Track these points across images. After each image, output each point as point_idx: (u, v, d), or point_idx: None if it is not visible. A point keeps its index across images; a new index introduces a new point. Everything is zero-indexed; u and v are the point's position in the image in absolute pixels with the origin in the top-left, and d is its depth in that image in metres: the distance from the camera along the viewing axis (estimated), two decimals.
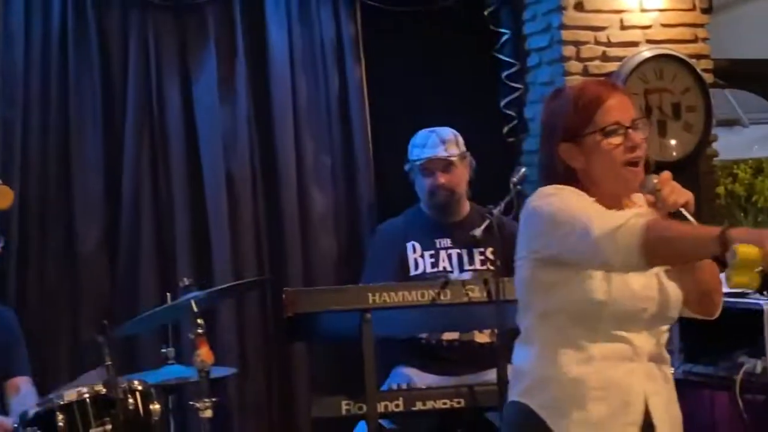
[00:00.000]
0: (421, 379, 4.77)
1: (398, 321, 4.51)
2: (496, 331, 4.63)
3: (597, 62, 5.64)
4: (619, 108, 2.82)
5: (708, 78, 5.80)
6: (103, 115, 5.34)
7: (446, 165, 4.97)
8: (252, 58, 5.57)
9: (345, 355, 4.93)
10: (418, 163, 5.02)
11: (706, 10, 5.88)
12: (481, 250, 4.94)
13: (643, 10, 5.72)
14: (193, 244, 5.40)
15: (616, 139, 2.80)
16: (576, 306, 2.76)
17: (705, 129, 5.76)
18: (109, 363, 3.97)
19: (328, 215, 5.63)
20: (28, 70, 5.24)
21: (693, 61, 5.74)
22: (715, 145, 5.94)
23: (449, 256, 4.98)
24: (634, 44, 5.69)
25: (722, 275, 2.57)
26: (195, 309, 4.24)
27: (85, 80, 5.32)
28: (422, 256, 4.98)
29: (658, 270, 2.79)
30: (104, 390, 4.03)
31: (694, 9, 5.83)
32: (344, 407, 4.29)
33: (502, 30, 5.88)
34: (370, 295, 4.27)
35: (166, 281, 5.22)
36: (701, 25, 5.86)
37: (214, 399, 4.22)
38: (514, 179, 4.44)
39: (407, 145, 5.11)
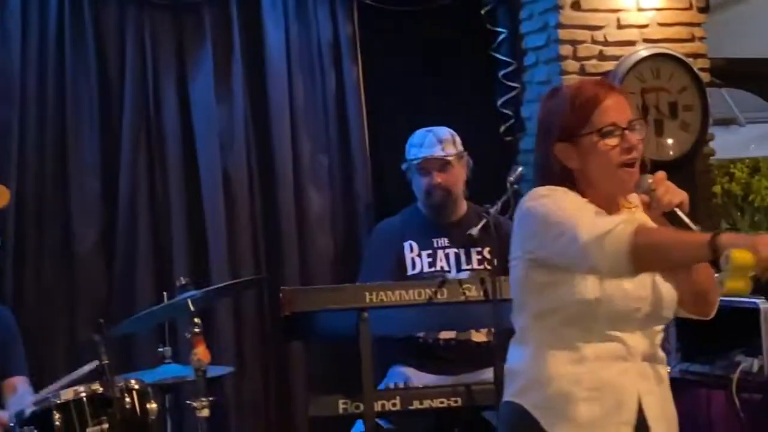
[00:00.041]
0: (418, 378, 4.78)
1: (395, 320, 4.51)
2: (492, 330, 4.63)
3: (594, 61, 5.64)
4: (615, 109, 2.82)
5: (705, 77, 5.81)
6: (99, 114, 5.34)
7: (443, 164, 4.97)
8: (249, 58, 5.57)
9: (342, 354, 4.93)
10: (414, 162, 5.02)
11: (703, 9, 5.89)
12: (479, 249, 4.94)
13: (640, 9, 5.72)
14: (190, 243, 5.40)
15: (613, 141, 2.80)
16: (569, 306, 2.76)
17: (702, 128, 5.77)
18: (106, 362, 3.97)
19: (325, 215, 5.63)
20: (25, 68, 5.24)
21: (690, 60, 5.74)
22: (711, 144, 5.95)
23: (446, 256, 4.98)
24: (631, 43, 5.70)
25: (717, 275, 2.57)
26: (192, 308, 4.24)
27: (81, 79, 5.32)
28: (419, 255, 4.98)
29: None
30: (101, 389, 4.03)
31: (690, 8, 5.83)
32: (341, 406, 4.29)
33: (499, 29, 5.88)
34: (367, 294, 4.27)
35: (163, 280, 5.22)
36: (698, 24, 5.87)
37: (211, 398, 4.23)
38: (511, 178, 4.44)
39: (404, 145, 5.11)
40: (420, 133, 5.06)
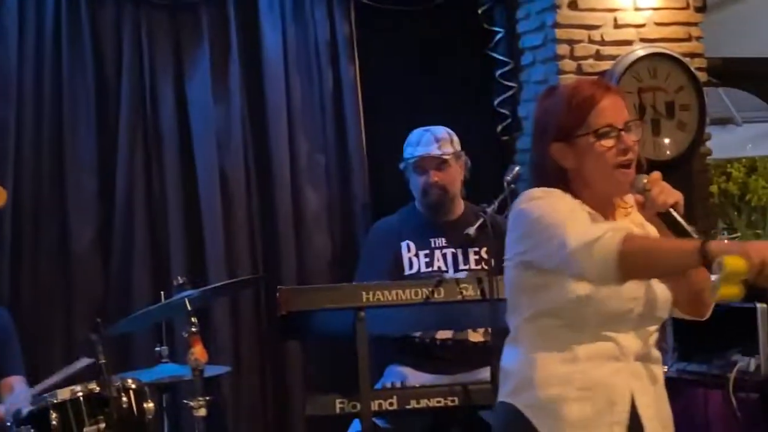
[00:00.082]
0: (415, 377, 4.78)
1: (392, 319, 4.51)
2: (489, 330, 4.64)
3: (591, 61, 5.64)
4: (612, 109, 2.82)
5: (701, 77, 5.81)
6: (96, 113, 5.34)
7: (440, 163, 4.98)
8: (246, 57, 5.57)
9: (339, 354, 4.93)
10: (411, 161, 5.03)
11: (700, 9, 5.89)
12: (476, 249, 4.94)
13: (637, 9, 5.73)
14: (187, 242, 5.40)
15: (609, 142, 2.79)
16: (561, 307, 2.77)
17: (698, 128, 5.77)
18: (103, 361, 3.97)
19: (322, 214, 5.63)
20: (22, 66, 5.23)
21: (687, 60, 5.75)
22: (708, 144, 5.95)
23: (444, 256, 4.98)
24: (628, 43, 5.70)
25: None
26: (189, 307, 4.24)
27: (78, 78, 5.31)
28: (416, 255, 4.99)
29: None
30: (98, 388, 4.03)
31: (687, 8, 5.84)
32: (338, 405, 4.29)
33: (496, 28, 5.89)
34: (364, 293, 4.27)
35: (160, 280, 5.22)
36: (695, 24, 5.87)
37: (208, 397, 4.23)
38: (508, 178, 4.44)
39: (401, 145, 5.11)
40: (417, 132, 5.07)
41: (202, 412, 4.20)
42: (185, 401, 4.25)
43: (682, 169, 5.65)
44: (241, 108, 5.52)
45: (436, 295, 4.31)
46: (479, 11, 5.87)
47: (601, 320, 2.75)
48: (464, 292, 4.34)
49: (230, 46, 5.52)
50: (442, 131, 5.04)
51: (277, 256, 5.52)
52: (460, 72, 5.87)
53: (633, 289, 2.75)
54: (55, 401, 4.01)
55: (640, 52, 5.65)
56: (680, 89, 5.73)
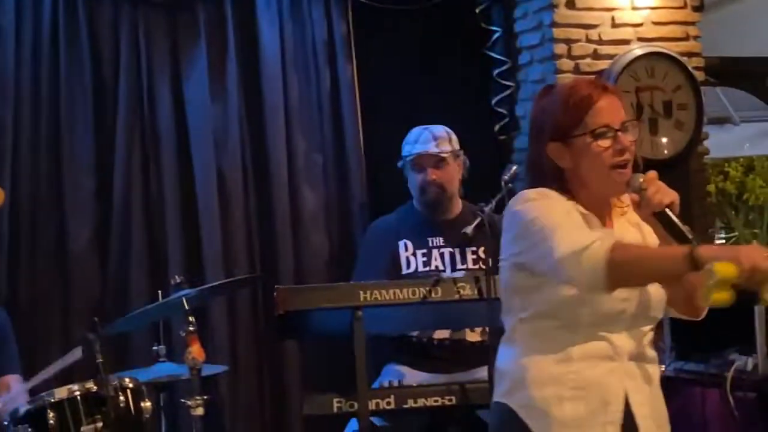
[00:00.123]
0: (413, 376, 4.78)
1: (390, 318, 4.51)
2: (487, 329, 4.64)
3: (588, 60, 5.64)
4: (609, 110, 2.82)
5: (699, 76, 5.81)
6: (94, 113, 5.34)
7: (437, 161, 4.98)
8: (243, 57, 5.56)
9: (336, 353, 4.93)
10: (409, 158, 5.03)
11: (698, 8, 5.89)
12: (474, 249, 4.94)
13: (635, 8, 5.73)
14: (184, 241, 5.40)
15: (605, 142, 2.79)
16: (554, 308, 2.77)
17: (696, 127, 5.77)
18: (100, 360, 3.97)
19: (319, 213, 5.63)
20: (19, 67, 5.23)
21: (684, 59, 5.75)
22: (706, 143, 5.95)
23: (441, 255, 4.98)
24: (626, 42, 5.70)
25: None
26: (186, 307, 4.24)
27: (76, 78, 5.31)
28: (414, 254, 4.99)
29: None
30: (95, 388, 4.03)
31: (685, 7, 5.84)
32: (336, 405, 4.29)
33: (494, 28, 5.89)
34: (361, 292, 4.27)
35: (158, 279, 5.22)
36: (692, 23, 5.87)
37: (205, 397, 4.23)
38: (506, 177, 4.43)
39: (399, 144, 5.12)
40: (416, 130, 5.07)
41: (200, 411, 4.20)
42: (183, 400, 4.25)
43: (679, 169, 5.66)
44: (238, 107, 5.52)
45: (433, 295, 4.31)
46: (477, 10, 5.87)
47: (595, 320, 2.75)
48: (462, 292, 4.34)
49: (227, 45, 5.52)
50: (441, 130, 5.05)
51: (274, 255, 5.52)
52: (458, 71, 5.87)
53: (626, 289, 2.75)
54: (52, 400, 4.01)
55: (638, 52, 5.65)
56: (678, 88, 5.73)
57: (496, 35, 5.88)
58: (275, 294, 4.28)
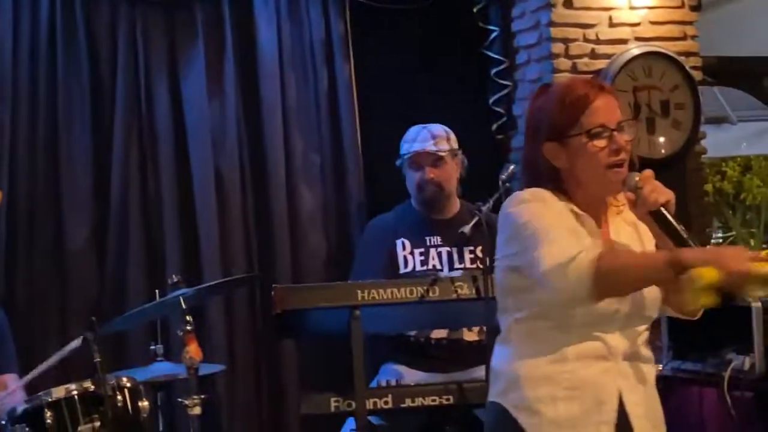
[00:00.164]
0: (410, 376, 4.78)
1: (387, 318, 4.51)
2: (484, 328, 4.64)
3: (586, 59, 5.65)
4: (605, 109, 2.81)
5: (696, 75, 5.82)
6: (91, 113, 5.34)
7: (435, 160, 4.98)
8: (241, 56, 5.56)
9: (334, 352, 4.92)
10: (407, 156, 5.03)
11: (695, 8, 5.89)
12: (471, 248, 4.94)
13: (632, 8, 5.73)
14: (182, 241, 5.40)
15: (601, 142, 2.79)
16: (547, 309, 2.77)
17: (693, 126, 5.78)
18: (98, 359, 3.96)
19: (317, 213, 5.63)
20: (17, 66, 5.23)
21: (682, 59, 5.75)
22: (703, 143, 5.96)
23: (439, 254, 4.98)
24: (623, 41, 5.70)
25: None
26: (184, 306, 4.24)
27: (73, 77, 5.31)
28: (412, 253, 4.99)
29: None
30: (93, 387, 4.03)
31: (682, 6, 5.84)
32: (333, 404, 4.29)
33: (491, 27, 5.89)
34: (359, 291, 4.27)
35: (155, 278, 5.22)
36: (690, 23, 5.87)
37: (202, 396, 4.22)
38: (503, 176, 4.44)
39: (397, 143, 5.12)
40: (415, 128, 5.08)
41: (197, 410, 4.20)
42: (180, 400, 4.25)
43: (676, 168, 5.66)
44: (235, 107, 5.52)
45: (431, 294, 4.32)
46: (474, 10, 5.87)
47: (589, 321, 2.75)
48: (459, 291, 4.35)
49: (225, 45, 5.52)
50: (439, 128, 5.05)
51: (272, 254, 5.52)
52: (455, 70, 5.87)
53: None
54: (49, 399, 4.00)
55: (635, 51, 5.65)
56: (675, 88, 5.74)
57: (494, 34, 5.88)
58: (273, 293, 4.28)
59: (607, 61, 5.65)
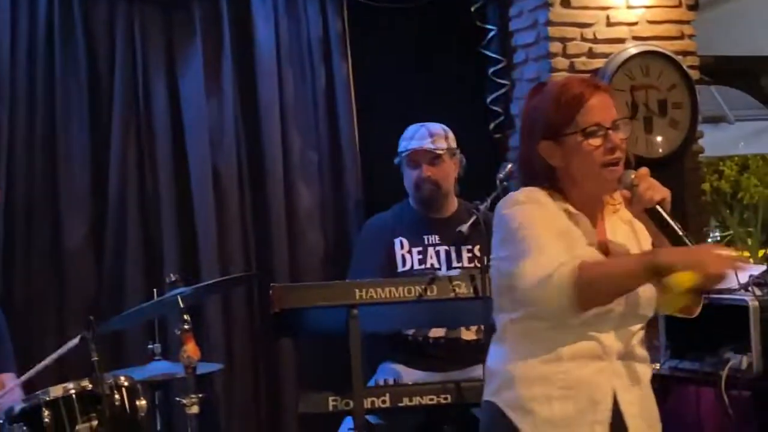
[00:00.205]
0: (408, 375, 4.78)
1: (385, 317, 4.50)
2: (482, 327, 4.64)
3: (583, 59, 5.65)
4: (600, 108, 2.82)
5: (694, 75, 5.82)
6: (89, 111, 5.33)
7: (433, 158, 4.98)
8: (238, 54, 5.56)
9: (332, 351, 4.92)
10: (404, 154, 5.03)
11: (692, 7, 5.90)
12: (469, 247, 4.94)
13: (630, 7, 5.73)
14: (179, 239, 5.39)
15: (596, 140, 2.80)
16: (542, 310, 2.77)
17: (691, 126, 5.78)
18: (96, 359, 3.96)
19: (314, 211, 5.63)
20: (15, 65, 5.22)
21: (679, 58, 5.75)
22: (701, 142, 5.96)
23: (437, 253, 4.98)
24: (621, 41, 5.71)
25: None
26: (181, 305, 4.24)
27: (71, 76, 5.30)
28: (410, 252, 4.98)
29: None
30: (90, 386, 4.02)
31: (680, 6, 5.84)
32: (331, 403, 4.29)
33: (489, 26, 5.89)
34: (357, 290, 4.26)
35: (153, 277, 5.22)
36: (687, 22, 5.87)
37: (200, 395, 4.22)
38: (501, 175, 4.44)
39: (394, 142, 5.12)
40: (413, 127, 5.08)
41: (195, 409, 4.20)
42: (178, 398, 4.25)
43: (674, 167, 5.66)
44: (233, 104, 5.52)
45: (429, 293, 4.31)
46: (472, 9, 5.87)
47: (584, 321, 2.75)
48: (457, 290, 4.34)
49: (223, 42, 5.52)
50: (438, 127, 5.05)
51: (269, 253, 5.52)
52: (453, 69, 5.88)
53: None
54: (47, 398, 4.00)
55: (633, 50, 5.66)
56: (673, 87, 5.74)
57: (492, 33, 5.88)
58: (271, 292, 4.28)
59: (605, 60, 5.65)
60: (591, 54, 5.66)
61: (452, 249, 4.97)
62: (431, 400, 4.37)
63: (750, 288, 4.28)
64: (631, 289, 2.73)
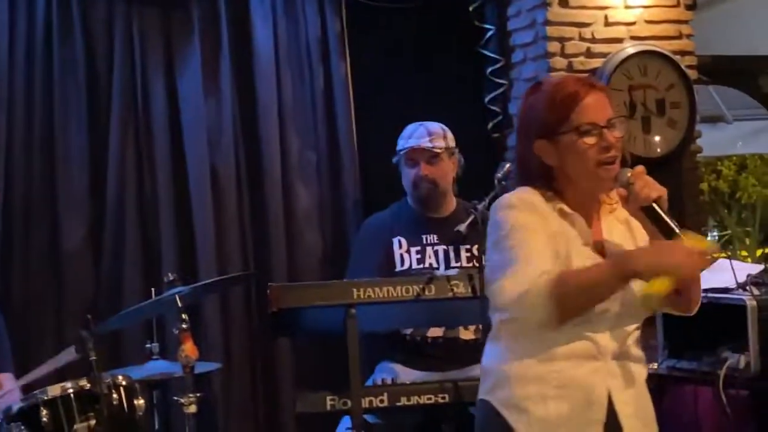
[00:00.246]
0: (406, 374, 4.78)
1: (383, 316, 4.50)
2: (480, 327, 4.64)
3: (581, 58, 5.65)
4: (595, 107, 2.82)
5: (692, 74, 5.82)
6: (87, 111, 5.33)
7: (431, 156, 4.98)
8: (237, 54, 5.56)
9: (330, 351, 4.93)
10: (402, 152, 5.03)
11: (690, 7, 5.90)
12: (467, 246, 4.94)
13: (628, 7, 5.74)
14: (177, 239, 5.39)
15: (591, 139, 2.80)
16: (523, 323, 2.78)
17: (689, 125, 5.78)
18: (94, 358, 3.96)
19: (312, 211, 5.63)
20: (13, 65, 5.22)
21: (677, 58, 5.76)
22: (699, 142, 5.96)
23: (435, 253, 4.98)
24: (619, 41, 5.71)
25: None
26: (179, 304, 4.23)
27: (69, 75, 5.30)
28: (408, 251, 4.98)
29: None
30: (88, 385, 4.02)
31: (678, 5, 5.84)
32: (329, 402, 4.29)
33: (487, 26, 5.89)
34: (354, 290, 4.26)
35: (151, 276, 5.22)
36: (685, 22, 5.88)
37: (198, 394, 4.22)
38: (499, 175, 4.42)
39: (393, 142, 5.11)
40: (412, 126, 5.08)
41: (193, 408, 4.19)
42: (176, 398, 4.24)
43: (672, 167, 5.67)
44: (231, 105, 5.52)
45: (427, 292, 4.31)
46: (470, 8, 5.87)
47: (578, 320, 2.75)
48: (455, 290, 4.34)
49: (221, 42, 5.52)
50: (436, 126, 5.05)
51: (267, 253, 5.52)
52: (451, 69, 5.88)
53: None
54: (45, 398, 4.00)
55: (631, 50, 5.66)
56: (671, 87, 5.74)
57: (490, 33, 5.88)
58: (268, 291, 4.28)
59: (603, 60, 5.66)
60: (589, 54, 5.66)
61: (450, 248, 4.97)
62: (429, 399, 4.37)
63: (748, 287, 4.28)
64: (607, 297, 2.73)
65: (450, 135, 5.06)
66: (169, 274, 4.50)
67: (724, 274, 4.35)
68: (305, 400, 4.34)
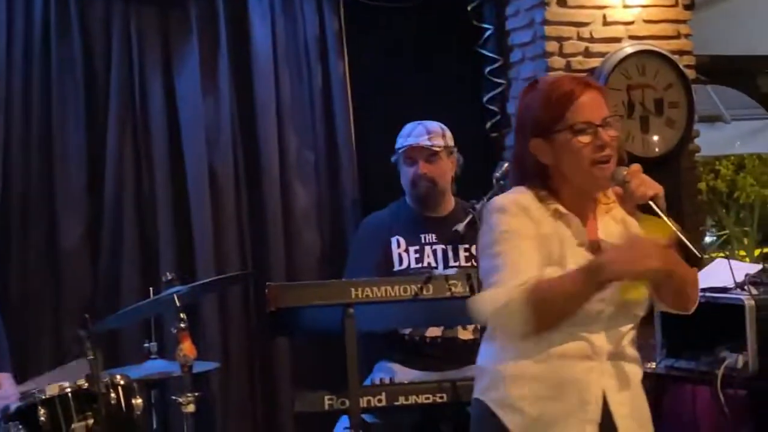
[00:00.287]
0: (404, 374, 4.78)
1: (381, 316, 4.50)
2: (479, 327, 4.64)
3: (580, 58, 5.65)
4: (590, 106, 2.82)
5: (690, 74, 5.82)
6: (85, 110, 5.33)
7: (429, 155, 4.98)
8: (235, 53, 5.56)
9: (328, 350, 4.93)
10: (401, 151, 5.03)
11: (689, 7, 5.90)
12: (466, 246, 4.94)
13: (626, 6, 5.74)
14: (176, 238, 5.39)
15: (585, 138, 2.80)
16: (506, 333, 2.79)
17: (687, 125, 5.78)
18: (92, 357, 3.96)
19: (311, 210, 5.63)
20: (10, 63, 5.22)
21: (675, 58, 5.76)
22: (697, 141, 5.96)
23: (434, 252, 4.98)
24: (617, 40, 5.71)
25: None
26: (177, 303, 4.23)
27: (67, 74, 5.30)
28: (406, 251, 4.98)
29: None
30: (86, 384, 4.02)
31: (676, 5, 5.84)
32: (327, 402, 4.28)
33: (485, 25, 5.89)
34: (353, 289, 4.26)
35: (149, 276, 5.22)
36: (683, 22, 5.88)
37: (196, 393, 4.22)
38: (497, 174, 4.42)
39: (391, 141, 5.11)
40: (411, 124, 5.08)
41: (191, 408, 4.19)
42: (174, 397, 4.25)
43: (670, 166, 5.67)
44: (230, 103, 5.51)
45: (425, 292, 4.30)
46: (468, 8, 5.88)
47: (573, 320, 2.76)
48: (453, 289, 4.34)
49: (219, 41, 5.52)
50: (435, 125, 5.05)
51: (266, 252, 5.51)
52: (450, 68, 5.88)
53: (602, 289, 2.75)
54: (43, 397, 4.00)
55: (629, 50, 5.66)
56: (669, 86, 5.74)
57: (488, 33, 5.88)
58: (267, 291, 4.27)
59: (601, 59, 5.66)
60: (587, 53, 5.66)
61: (449, 248, 4.97)
62: (427, 399, 4.37)
63: (746, 287, 4.29)
64: (582, 304, 2.72)
65: (449, 134, 5.06)
66: (167, 274, 4.50)
67: (722, 274, 4.36)
68: (303, 399, 4.33)
